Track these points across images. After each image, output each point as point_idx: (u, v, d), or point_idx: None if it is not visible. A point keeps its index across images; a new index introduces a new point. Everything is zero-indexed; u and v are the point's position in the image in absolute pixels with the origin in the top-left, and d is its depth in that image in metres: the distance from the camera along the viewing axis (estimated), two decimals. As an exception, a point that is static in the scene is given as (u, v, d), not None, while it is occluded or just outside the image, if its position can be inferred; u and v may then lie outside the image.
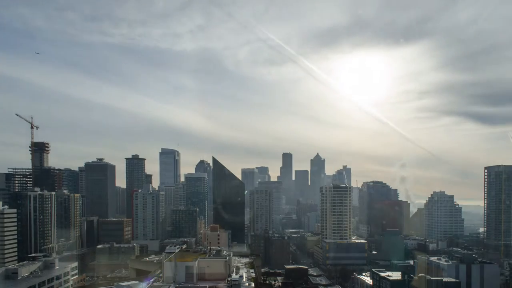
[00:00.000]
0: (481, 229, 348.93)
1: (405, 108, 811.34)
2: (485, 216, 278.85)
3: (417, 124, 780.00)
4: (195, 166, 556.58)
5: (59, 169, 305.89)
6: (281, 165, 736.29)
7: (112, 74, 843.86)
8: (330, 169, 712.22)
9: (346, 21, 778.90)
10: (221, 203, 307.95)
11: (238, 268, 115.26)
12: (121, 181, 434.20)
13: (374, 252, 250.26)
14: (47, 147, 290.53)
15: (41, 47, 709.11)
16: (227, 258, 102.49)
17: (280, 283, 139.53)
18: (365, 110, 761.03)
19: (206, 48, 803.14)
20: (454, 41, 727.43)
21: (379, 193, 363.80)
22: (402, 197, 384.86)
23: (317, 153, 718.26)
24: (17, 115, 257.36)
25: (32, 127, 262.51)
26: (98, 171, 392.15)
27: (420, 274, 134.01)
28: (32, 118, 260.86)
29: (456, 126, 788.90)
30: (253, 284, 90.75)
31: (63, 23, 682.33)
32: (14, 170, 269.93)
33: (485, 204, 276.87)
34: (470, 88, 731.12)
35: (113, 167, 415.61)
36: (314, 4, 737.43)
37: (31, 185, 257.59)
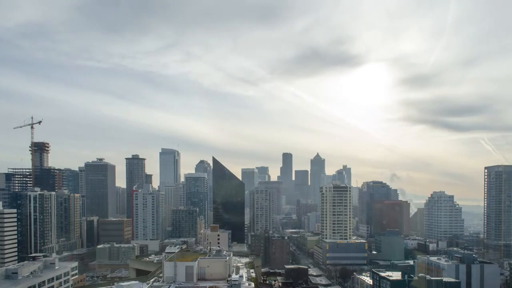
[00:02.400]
0: (476, 228, 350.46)
1: (377, 118, 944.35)
2: (485, 216, 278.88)
3: (393, 131, 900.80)
4: (195, 166, 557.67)
5: (59, 169, 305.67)
6: (281, 165, 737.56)
7: (106, 89, 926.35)
8: (329, 169, 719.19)
9: (305, 52, 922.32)
10: (221, 203, 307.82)
11: (238, 268, 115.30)
12: (121, 181, 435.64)
13: (374, 252, 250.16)
14: (47, 147, 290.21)
15: (41, 70, 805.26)
16: (227, 258, 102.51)
17: (280, 283, 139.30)
18: (338, 119, 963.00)
19: (188, 72, 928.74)
20: (401, 66, 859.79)
21: (379, 193, 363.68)
22: (402, 197, 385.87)
23: (317, 153, 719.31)
24: (16, 127, 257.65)
25: (32, 127, 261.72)
26: (98, 171, 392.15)
27: (420, 274, 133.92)
28: (32, 118, 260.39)
29: (428, 132, 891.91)
30: (253, 284, 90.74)
31: (59, 53, 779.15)
32: (14, 170, 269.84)
33: (485, 204, 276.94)
34: (427, 103, 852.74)
35: (113, 167, 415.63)
36: (274, 42, 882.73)
37: (31, 185, 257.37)
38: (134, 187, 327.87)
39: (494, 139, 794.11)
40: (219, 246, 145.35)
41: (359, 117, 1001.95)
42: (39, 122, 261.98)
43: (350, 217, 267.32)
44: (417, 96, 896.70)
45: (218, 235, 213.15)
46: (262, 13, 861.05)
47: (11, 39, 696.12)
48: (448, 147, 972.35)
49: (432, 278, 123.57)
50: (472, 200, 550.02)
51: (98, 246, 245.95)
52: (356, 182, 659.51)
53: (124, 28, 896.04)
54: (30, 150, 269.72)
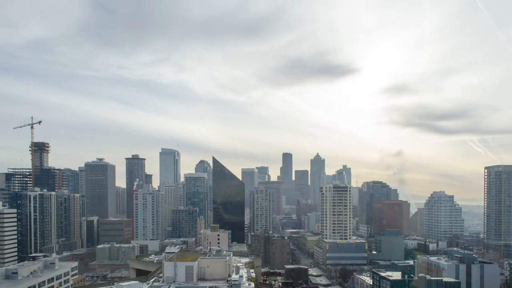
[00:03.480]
0: (476, 228, 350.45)
1: (367, 122, 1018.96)
2: (485, 216, 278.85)
3: (383, 134, 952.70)
4: (195, 166, 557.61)
5: (59, 169, 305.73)
6: (280, 166, 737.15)
7: (103, 94, 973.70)
8: (329, 170, 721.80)
9: (291, 63, 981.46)
10: (221, 203, 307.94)
11: (238, 268, 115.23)
12: (121, 181, 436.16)
13: (374, 252, 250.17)
14: (47, 147, 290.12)
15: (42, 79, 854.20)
16: (227, 258, 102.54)
17: (280, 283, 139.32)
18: (331, 123, 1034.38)
19: (183, 81, 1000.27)
20: (381, 75, 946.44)
21: (379, 193, 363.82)
22: (402, 197, 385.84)
23: (317, 153, 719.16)
24: (16, 127, 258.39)
25: (32, 127, 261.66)
26: (98, 171, 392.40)
27: (420, 274, 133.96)
28: (32, 118, 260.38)
29: (416, 135, 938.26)
30: (253, 284, 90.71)
31: (57, 64, 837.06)
32: (14, 170, 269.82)
33: (485, 204, 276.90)
34: (411, 109, 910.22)
35: (113, 167, 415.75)
36: (262, 54, 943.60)
37: (31, 185, 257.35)
38: (135, 183, 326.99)
39: (482, 141, 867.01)
40: (219, 246, 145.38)
41: (350, 122, 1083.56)
42: (39, 122, 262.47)
43: (350, 217, 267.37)
44: (401, 102, 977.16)
45: (218, 235, 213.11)
46: (249, 29, 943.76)
47: (19, 53, 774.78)
48: (438, 148, 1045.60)
49: (432, 278, 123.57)
50: (468, 200, 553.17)
51: (98, 246, 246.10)
52: (356, 182, 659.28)
53: (121, 43, 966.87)
54: (30, 150, 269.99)
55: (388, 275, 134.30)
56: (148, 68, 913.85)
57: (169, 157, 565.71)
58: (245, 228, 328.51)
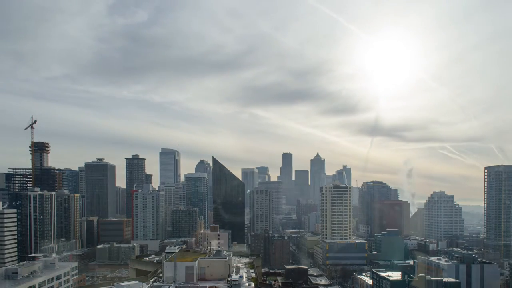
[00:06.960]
0: (476, 229, 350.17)
1: (341, 133, 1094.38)
2: (485, 216, 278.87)
3: (357, 143, 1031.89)
4: (195, 166, 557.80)
5: (59, 169, 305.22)
6: (280, 166, 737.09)
7: (100, 107, 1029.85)
8: (329, 169, 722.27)
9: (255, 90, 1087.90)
10: (221, 203, 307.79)
11: (238, 268, 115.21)
12: (121, 181, 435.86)
13: (374, 252, 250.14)
14: (47, 147, 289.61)
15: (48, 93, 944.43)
16: (227, 258, 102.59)
17: (280, 283, 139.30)
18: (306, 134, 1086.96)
19: (170, 102, 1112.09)
20: (332, 99, 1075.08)
21: (379, 193, 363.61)
22: (402, 197, 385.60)
23: (317, 153, 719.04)
24: (27, 127, 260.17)
25: (32, 127, 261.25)
26: (98, 171, 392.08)
27: (420, 274, 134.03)
28: (32, 117, 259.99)
29: (386, 143, 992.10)
30: (253, 284, 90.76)
31: (61, 89, 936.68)
32: (14, 170, 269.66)
33: (485, 204, 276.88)
34: (369, 122, 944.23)
35: (113, 167, 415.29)
36: (231, 85, 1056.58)
37: (31, 185, 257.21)
38: (135, 186, 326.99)
39: (454, 148, 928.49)
40: (219, 246, 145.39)
41: (327, 133, 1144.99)
42: (35, 122, 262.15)
43: (350, 217, 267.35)
44: (362, 118, 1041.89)
45: (218, 235, 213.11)
46: (219, 67, 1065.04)
47: (33, 85, 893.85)
48: (410, 154, 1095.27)
49: (432, 278, 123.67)
50: (467, 200, 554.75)
51: (98, 246, 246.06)
52: (356, 182, 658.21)
53: (116, 78, 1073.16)
54: (30, 150, 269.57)
55: (388, 275, 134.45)
56: (139, 94, 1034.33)
57: (169, 157, 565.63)
58: (245, 228, 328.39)
